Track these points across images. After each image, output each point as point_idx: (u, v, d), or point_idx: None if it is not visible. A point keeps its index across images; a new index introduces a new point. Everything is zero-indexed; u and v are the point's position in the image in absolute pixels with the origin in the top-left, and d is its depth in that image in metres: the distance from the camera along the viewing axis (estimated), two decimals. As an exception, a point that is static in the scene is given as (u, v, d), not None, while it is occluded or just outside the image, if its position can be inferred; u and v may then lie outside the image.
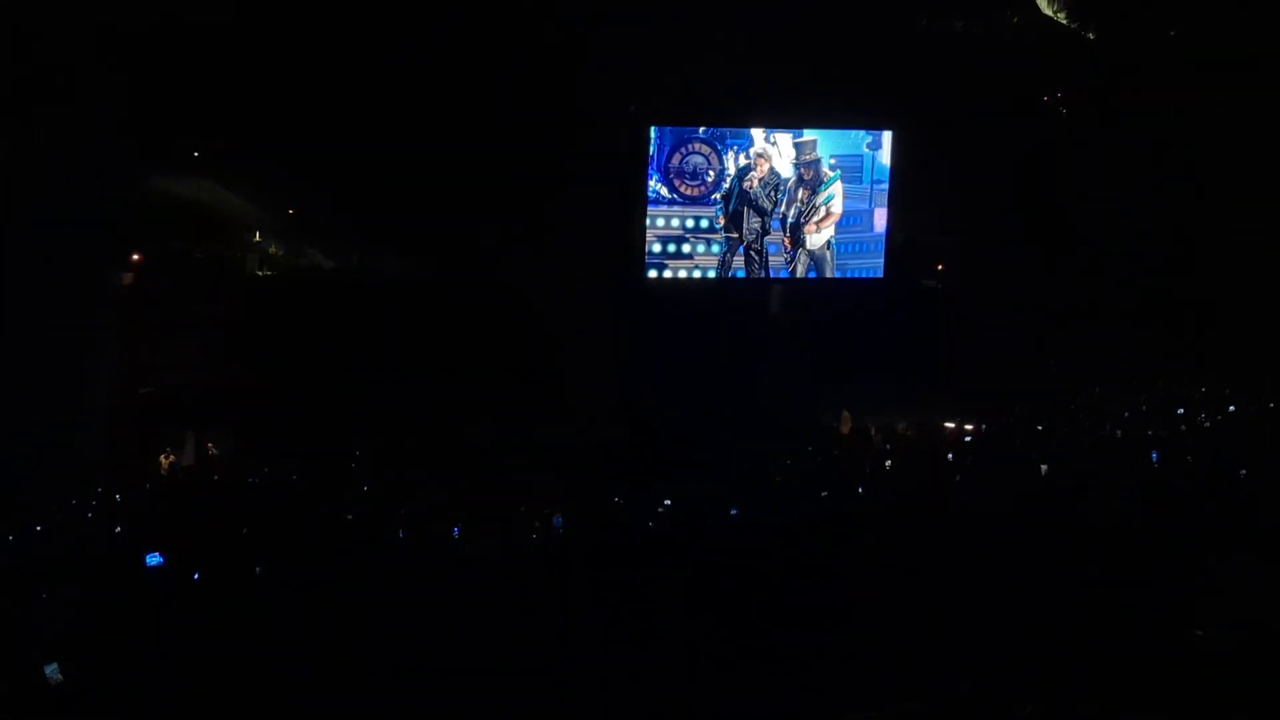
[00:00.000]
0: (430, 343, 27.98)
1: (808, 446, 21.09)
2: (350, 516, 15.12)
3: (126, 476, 21.04)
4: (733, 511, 12.43)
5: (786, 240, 19.90)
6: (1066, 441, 16.82)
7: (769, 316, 21.26)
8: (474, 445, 22.25)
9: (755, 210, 19.75)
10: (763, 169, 19.71)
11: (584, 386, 25.80)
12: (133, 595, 9.06)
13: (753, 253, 19.84)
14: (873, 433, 21.63)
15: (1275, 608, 7.18)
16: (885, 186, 20.28)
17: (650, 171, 19.64)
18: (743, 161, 19.66)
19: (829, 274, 20.15)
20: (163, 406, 25.55)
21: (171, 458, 21.67)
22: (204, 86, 31.54)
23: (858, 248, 20.41)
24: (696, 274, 19.76)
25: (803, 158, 19.79)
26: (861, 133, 20.32)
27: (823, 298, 22.13)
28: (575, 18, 34.71)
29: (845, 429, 22.20)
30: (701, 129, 19.75)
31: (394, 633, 7.72)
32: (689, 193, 19.64)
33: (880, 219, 20.42)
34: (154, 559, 8.92)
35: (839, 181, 19.77)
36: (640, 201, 19.64)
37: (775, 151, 19.81)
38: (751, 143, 19.72)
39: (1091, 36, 40.56)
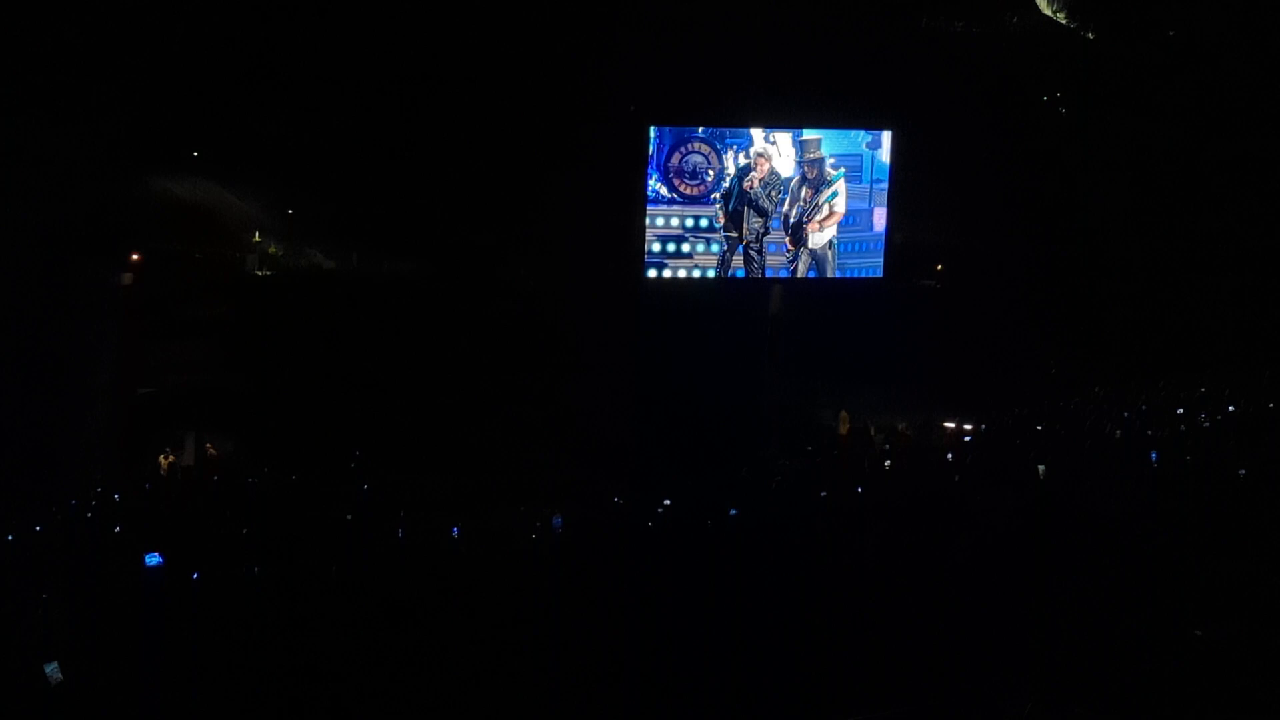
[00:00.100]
0: (430, 343, 28.00)
1: (808, 447, 21.09)
2: (350, 516, 15.12)
3: (126, 476, 21.03)
4: (732, 512, 12.43)
5: (789, 239, 19.90)
6: (1066, 442, 16.81)
7: (769, 316, 21.25)
8: (473, 445, 22.24)
9: (755, 210, 19.74)
10: (763, 169, 19.70)
11: (583, 386, 25.82)
12: (132, 595, 9.07)
13: (752, 252, 19.83)
14: (872, 432, 21.64)
15: (1274, 608, 7.18)
16: (885, 186, 20.24)
17: (650, 171, 19.62)
18: (742, 161, 19.65)
19: (830, 273, 20.13)
20: (163, 407, 25.55)
21: (171, 458, 21.65)
22: (204, 88, 31.58)
23: (857, 247, 20.38)
24: (696, 273, 19.75)
25: (806, 156, 19.77)
26: (861, 132, 20.31)
27: (822, 297, 22.13)
28: (575, 19, 34.74)
29: (844, 429, 22.19)
30: (701, 128, 19.73)
31: (393, 632, 7.72)
32: (689, 192, 19.62)
33: (880, 219, 20.38)
34: (153, 559, 8.90)
35: (843, 180, 19.75)
36: (640, 201, 19.63)
37: (775, 151, 19.80)
38: (751, 142, 19.71)
39: (1091, 36, 40.58)
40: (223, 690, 6.65)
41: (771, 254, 20.05)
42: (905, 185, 20.67)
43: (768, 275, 20.24)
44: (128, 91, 27.92)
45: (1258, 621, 6.87)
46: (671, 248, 19.67)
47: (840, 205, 20.07)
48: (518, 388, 26.23)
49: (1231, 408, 19.24)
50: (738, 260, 19.91)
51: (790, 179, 19.94)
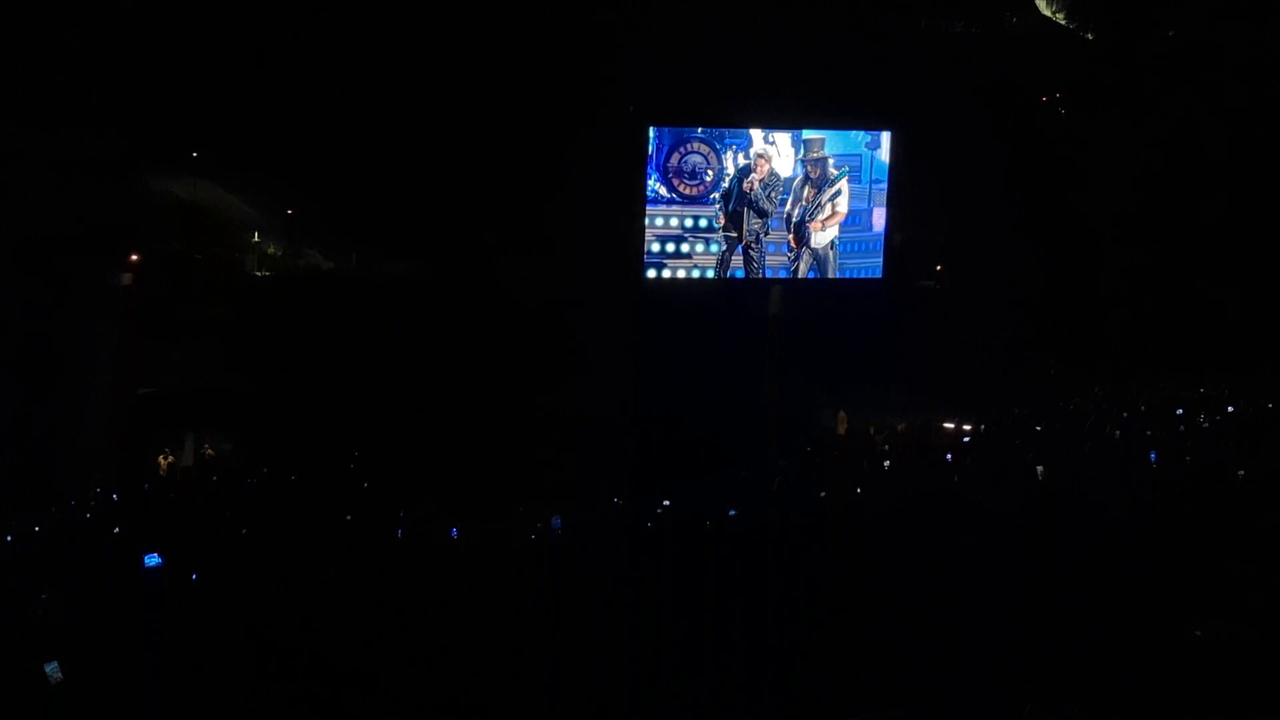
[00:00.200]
0: (429, 343, 28.01)
1: (807, 447, 21.08)
2: (350, 516, 15.11)
3: (126, 476, 21.03)
4: (732, 512, 12.43)
5: (791, 238, 19.88)
6: (1066, 442, 16.81)
7: (768, 316, 21.24)
8: (473, 445, 22.24)
9: (756, 212, 19.73)
10: (763, 170, 19.68)
11: (583, 386, 25.82)
12: (132, 595, 9.07)
13: (751, 252, 19.82)
14: (871, 432, 21.63)
15: (1273, 608, 7.19)
16: (884, 186, 20.23)
17: (649, 171, 19.60)
18: (742, 162, 19.64)
19: (832, 274, 20.12)
20: (162, 407, 25.55)
21: (170, 458, 21.65)
22: (204, 89, 31.60)
23: (857, 247, 20.36)
24: (696, 273, 19.74)
25: (810, 155, 19.75)
26: (861, 132, 20.29)
27: (822, 297, 22.14)
28: (575, 19, 34.75)
29: (842, 429, 22.19)
30: (700, 129, 19.72)
31: (393, 632, 7.72)
32: (688, 192, 19.60)
33: (879, 219, 20.36)
34: (153, 559, 8.90)
35: (846, 179, 19.74)
36: (639, 201, 19.62)
37: (775, 152, 19.78)
38: (751, 143, 19.70)
39: (1091, 36, 40.60)
40: (222, 690, 6.65)
41: (773, 254, 20.03)
42: (905, 186, 20.66)
43: (767, 275, 20.23)
44: (128, 91, 27.91)
45: (1257, 621, 6.88)
46: (671, 248, 19.66)
47: (843, 205, 20.05)
48: (517, 387, 26.24)
49: (1231, 408, 19.25)
50: (737, 260, 19.90)
51: (792, 179, 19.92)
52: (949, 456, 16.81)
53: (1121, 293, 31.41)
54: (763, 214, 19.87)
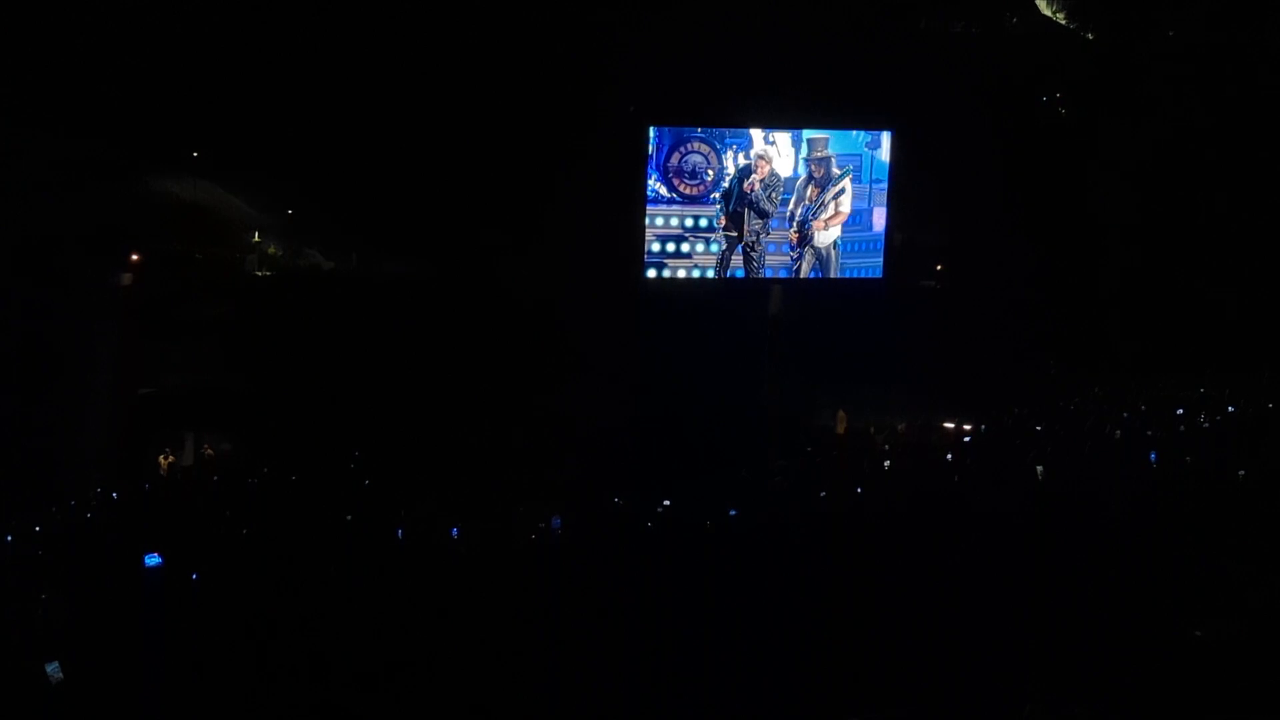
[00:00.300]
0: (429, 343, 28.00)
1: (807, 447, 21.07)
2: (350, 516, 15.10)
3: (126, 477, 21.02)
4: (732, 512, 12.43)
5: (794, 237, 19.87)
6: (1066, 442, 16.81)
7: (769, 316, 21.23)
8: (473, 445, 22.23)
9: (756, 212, 19.73)
10: (763, 171, 19.67)
11: (583, 385, 25.82)
12: (132, 595, 9.07)
13: (751, 252, 19.82)
14: (871, 431, 21.62)
15: (1273, 608, 7.19)
16: (884, 186, 20.22)
17: (649, 171, 19.60)
18: (742, 162, 19.63)
19: (834, 273, 20.10)
20: (162, 407, 25.54)
21: (171, 458, 21.64)
22: (204, 89, 31.60)
23: (857, 247, 20.35)
24: (696, 273, 19.73)
25: (814, 155, 19.73)
26: (861, 132, 20.28)
27: (822, 297, 22.13)
28: (576, 19, 34.75)
29: (841, 429, 22.17)
30: (700, 128, 19.71)
31: (393, 632, 7.72)
32: (688, 192, 19.60)
33: (879, 219, 20.35)
34: (153, 559, 8.90)
35: (849, 179, 19.73)
36: (640, 201, 19.61)
37: (775, 152, 19.77)
38: (751, 143, 19.69)
39: (1091, 36, 40.60)
40: (222, 690, 6.65)
41: (776, 253, 20.03)
42: (905, 185, 20.65)
43: (767, 275, 20.23)
44: (128, 92, 27.93)
45: (1257, 621, 6.87)
46: (671, 247, 19.66)
47: (846, 204, 20.05)
48: (517, 387, 26.24)
49: (1231, 408, 19.24)
50: (737, 260, 19.89)
51: (794, 178, 19.91)
52: (949, 456, 16.80)
53: (1121, 293, 31.41)
54: (763, 214, 19.86)
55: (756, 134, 19.82)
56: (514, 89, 33.06)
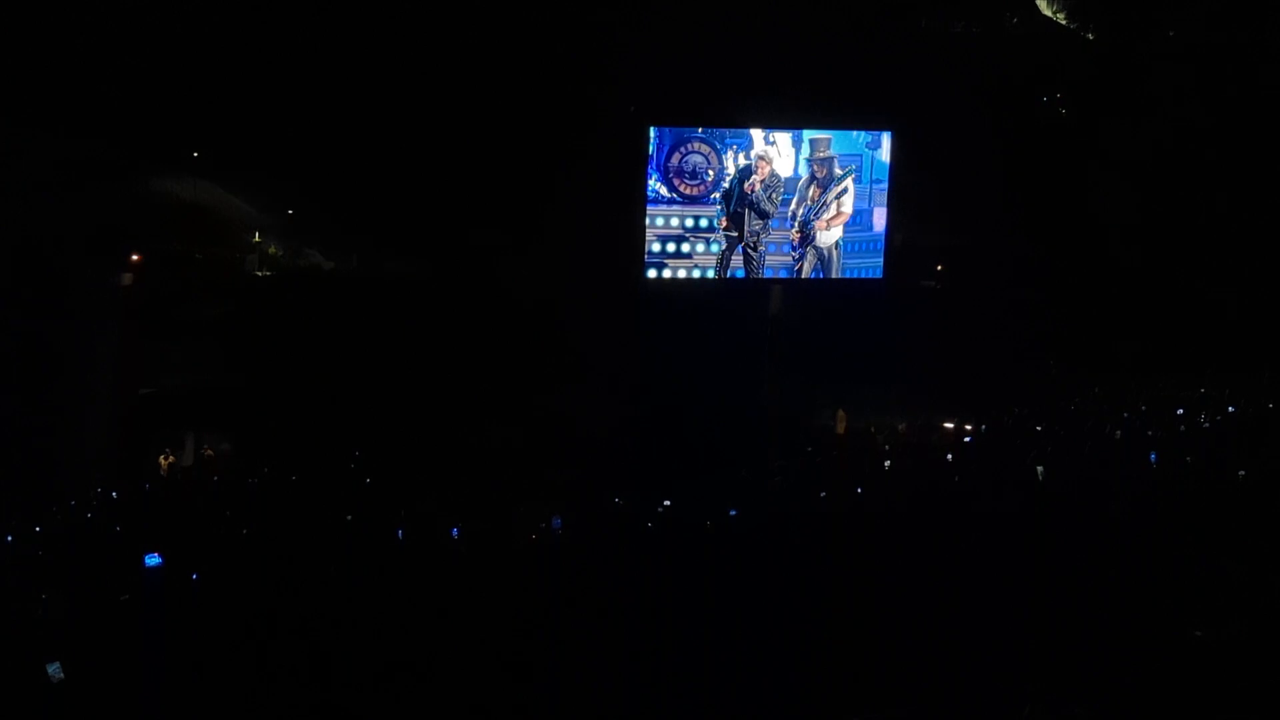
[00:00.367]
0: (429, 343, 28.01)
1: (807, 447, 21.08)
2: (350, 516, 15.11)
3: (126, 477, 21.03)
4: (732, 512, 12.43)
5: (796, 236, 19.87)
6: (1066, 442, 16.81)
7: (769, 316, 21.24)
8: (473, 445, 22.23)
9: (757, 213, 19.73)
10: (764, 171, 19.67)
11: (583, 385, 25.83)
12: (132, 595, 9.07)
13: (751, 252, 19.83)
14: (872, 431, 21.64)
15: (1273, 608, 7.19)
16: (884, 186, 20.22)
17: (650, 171, 19.60)
18: (742, 162, 19.63)
19: (835, 273, 20.09)
20: (162, 407, 25.55)
21: (171, 459, 21.65)
22: (204, 89, 31.61)
23: (858, 247, 20.35)
24: (696, 273, 19.73)
25: (816, 155, 19.74)
26: (861, 133, 20.29)
27: (822, 297, 22.14)
28: (576, 19, 34.76)
29: (841, 428, 22.18)
30: (700, 128, 19.72)
31: (393, 632, 7.72)
32: (688, 192, 19.61)
33: (880, 219, 20.35)
34: (153, 559, 8.91)
35: (851, 178, 19.73)
36: (640, 201, 19.61)
37: (775, 153, 19.77)
38: (751, 143, 19.69)
39: (1091, 36, 40.61)
40: (223, 690, 6.65)
41: (777, 254, 20.03)
42: (905, 186, 20.66)
43: (767, 275, 20.23)
44: (128, 92, 27.94)
45: (1257, 622, 6.87)
46: (671, 248, 19.66)
47: (848, 204, 20.05)
48: (517, 387, 26.25)
49: (1231, 408, 19.24)
50: (737, 260, 19.89)
51: (796, 179, 19.91)
52: (949, 456, 16.81)
53: (1121, 293, 31.42)
54: (764, 215, 19.87)
55: (757, 134, 19.82)
56: (514, 89, 33.07)
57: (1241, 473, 11.89)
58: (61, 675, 6.17)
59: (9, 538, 15.01)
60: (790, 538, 10.68)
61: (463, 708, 6.61)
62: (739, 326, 23.26)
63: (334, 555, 11.35)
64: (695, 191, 19.66)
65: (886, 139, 20.13)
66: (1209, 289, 30.36)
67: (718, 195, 19.69)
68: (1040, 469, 12.56)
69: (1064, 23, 41.32)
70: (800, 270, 20.16)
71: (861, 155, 20.14)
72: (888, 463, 16.75)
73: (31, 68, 24.58)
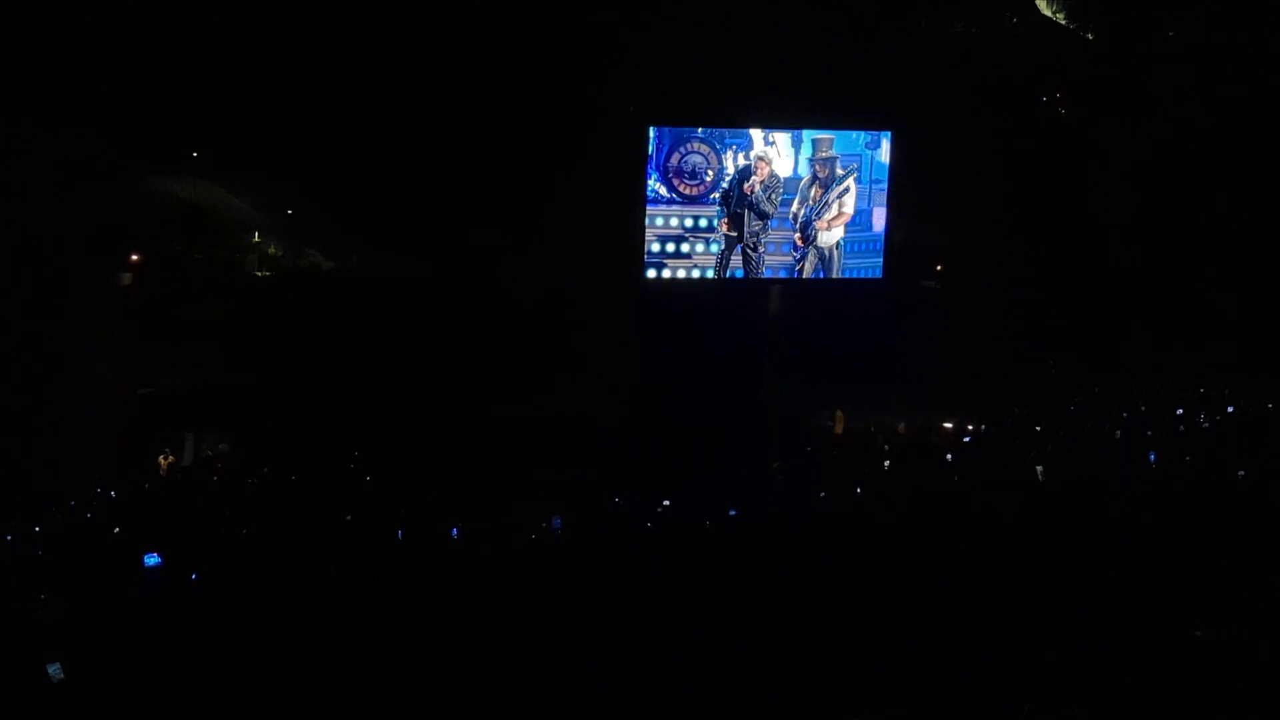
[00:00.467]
0: (429, 343, 28.01)
1: (807, 447, 21.09)
2: (350, 516, 15.11)
3: (126, 477, 21.04)
4: (732, 512, 12.43)
5: (798, 238, 19.89)
6: (1066, 442, 16.82)
7: (768, 316, 21.25)
8: (473, 445, 22.24)
9: (756, 214, 19.75)
10: (763, 172, 19.68)
11: (583, 386, 25.83)
12: (131, 596, 9.08)
13: (750, 252, 19.84)
14: (872, 431, 21.64)
15: (1273, 608, 7.19)
16: (884, 186, 20.25)
17: (649, 171, 19.62)
18: (742, 163, 19.64)
19: (836, 273, 20.10)
20: (162, 407, 25.56)
21: (170, 459, 21.66)
22: (204, 89, 31.59)
23: (857, 247, 20.38)
24: (696, 273, 19.75)
25: (819, 155, 19.76)
26: (861, 133, 20.31)
27: (822, 297, 22.16)
28: (576, 19, 34.75)
29: (839, 428, 22.19)
30: (700, 129, 19.73)
31: (393, 632, 7.72)
32: (688, 192, 19.63)
33: (879, 219, 20.38)
34: (152, 559, 8.91)
35: (853, 178, 19.76)
36: (640, 201, 19.63)
37: (775, 153, 19.79)
38: (751, 144, 19.70)
39: (1091, 36, 40.60)
40: (223, 690, 6.65)
41: (776, 254, 20.04)
42: (905, 186, 20.67)
43: (767, 275, 20.24)
44: (128, 91, 27.91)
45: (1258, 622, 6.87)
46: (671, 248, 19.67)
47: (850, 204, 20.06)
48: (517, 387, 26.25)
49: (1231, 408, 19.24)
50: (736, 260, 19.90)
51: (797, 179, 19.91)
52: (949, 456, 16.81)
53: (1121, 293, 31.42)
54: (763, 216, 19.87)
55: (756, 135, 19.82)
56: (514, 89, 33.05)
57: (1241, 473, 11.90)
58: (62, 675, 6.17)
59: (8, 538, 15.01)
60: (790, 538, 10.68)
61: (463, 708, 6.62)
62: (739, 326, 23.27)
63: (334, 555, 11.35)
64: (695, 192, 19.67)
65: (886, 139, 20.14)
66: (1209, 289, 30.35)
67: (716, 196, 19.70)
68: (1040, 469, 12.56)
69: (1064, 23, 41.29)
70: (801, 270, 20.17)
71: (861, 155, 20.15)
72: (887, 463, 16.76)
73: (31, 67, 24.56)
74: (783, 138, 19.86)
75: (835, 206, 20.02)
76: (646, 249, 19.58)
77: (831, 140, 19.94)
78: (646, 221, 19.54)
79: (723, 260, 19.83)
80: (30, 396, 22.08)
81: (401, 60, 33.22)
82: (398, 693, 6.74)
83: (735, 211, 19.77)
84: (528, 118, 32.71)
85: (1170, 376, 24.81)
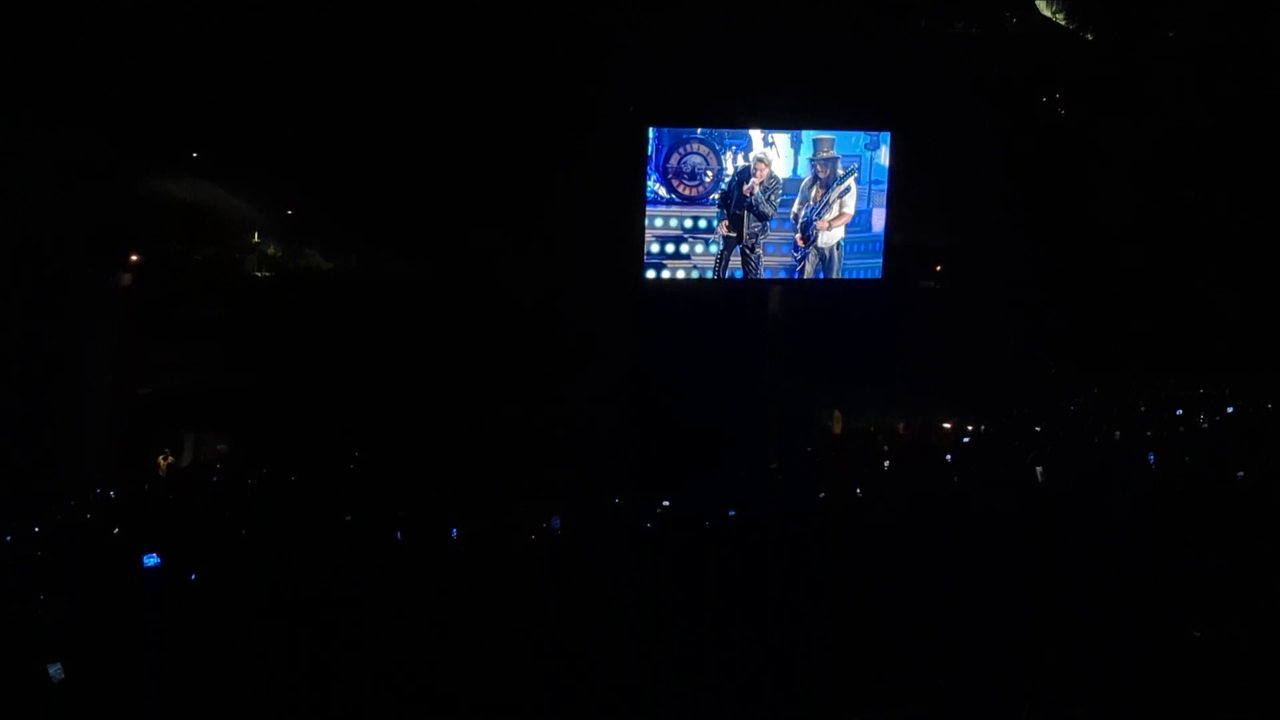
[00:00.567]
0: (429, 343, 28.01)
1: (806, 447, 21.09)
2: (349, 517, 15.11)
3: (125, 477, 21.03)
4: (732, 512, 12.43)
5: (799, 239, 19.89)
6: (1066, 442, 16.82)
7: (768, 316, 21.26)
8: (472, 445, 22.23)
9: (756, 215, 19.75)
10: (762, 174, 19.68)
11: (582, 386, 25.83)
12: (132, 595, 9.07)
13: (749, 253, 19.85)
14: (871, 431, 21.64)
15: (1273, 608, 7.19)
16: (884, 187, 20.25)
17: (649, 171, 19.62)
18: (741, 163, 19.64)
19: (837, 274, 20.11)
20: (161, 408, 25.55)
21: (170, 459, 21.65)
22: (204, 89, 31.59)
23: (857, 248, 20.39)
24: (695, 274, 19.76)
25: (820, 155, 19.76)
26: (860, 133, 20.31)
27: (822, 298, 22.16)
28: (575, 19, 34.74)
29: (837, 428, 22.19)
30: (699, 129, 19.73)
31: (393, 632, 7.72)
32: (687, 193, 19.63)
33: (879, 219, 20.38)
34: (151, 560, 8.90)
35: (854, 178, 19.76)
36: (639, 201, 19.64)
37: (774, 154, 19.79)
38: (750, 144, 19.70)
39: (1091, 36, 40.59)
40: (223, 690, 6.65)
41: (776, 254, 20.04)
42: (905, 186, 20.67)
43: (767, 275, 20.24)
44: (128, 91, 27.90)
45: (1257, 622, 6.87)
46: (670, 248, 19.67)
47: (851, 205, 20.06)
48: (517, 387, 26.24)
49: (1231, 408, 19.24)
50: (735, 261, 19.90)
51: (797, 180, 19.91)
52: (949, 456, 16.81)
53: (1121, 293, 31.41)
54: (763, 218, 19.87)
55: (756, 136, 19.82)
56: (513, 89, 33.04)
57: (1241, 473, 11.90)
58: (62, 675, 6.17)
59: (8, 538, 15.01)
60: (790, 538, 10.68)
61: (463, 708, 6.62)
62: (738, 327, 23.27)
63: (334, 555, 11.35)
64: (694, 192, 19.67)
65: (885, 139, 20.14)
66: (1209, 289, 30.35)
67: (716, 197, 19.70)
68: (1040, 469, 12.56)
69: (1064, 23, 41.28)
70: (802, 270, 20.17)
71: (860, 156, 20.16)
72: (887, 463, 16.76)
73: (31, 67, 24.55)
74: (782, 139, 19.86)
75: (836, 206, 20.02)
76: (646, 250, 19.58)
77: (832, 141, 19.95)
78: (646, 222, 19.54)
79: (722, 261, 19.83)
80: (30, 396, 22.08)
81: (401, 60, 33.21)
82: (398, 693, 6.74)
83: (735, 213, 19.77)
84: (527, 118, 32.69)
85: (1170, 376, 24.81)
